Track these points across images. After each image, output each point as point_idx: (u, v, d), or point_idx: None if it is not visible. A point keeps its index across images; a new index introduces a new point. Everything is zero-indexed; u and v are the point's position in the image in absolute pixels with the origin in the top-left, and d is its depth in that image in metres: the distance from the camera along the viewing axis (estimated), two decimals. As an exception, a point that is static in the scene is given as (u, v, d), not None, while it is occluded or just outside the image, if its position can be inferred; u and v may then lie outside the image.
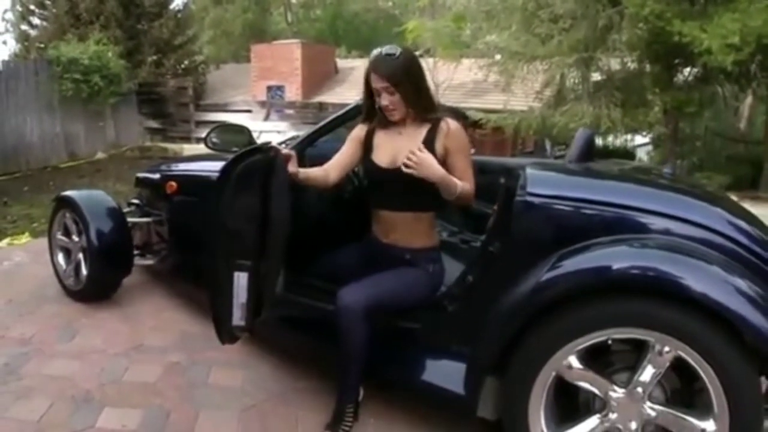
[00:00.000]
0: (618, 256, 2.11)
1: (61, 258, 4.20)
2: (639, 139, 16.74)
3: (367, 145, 2.77)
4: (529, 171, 2.45)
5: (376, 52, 2.63)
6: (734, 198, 8.81)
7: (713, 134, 16.04)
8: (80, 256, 3.97)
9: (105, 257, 3.83)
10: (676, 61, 10.73)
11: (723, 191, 3.06)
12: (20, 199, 8.33)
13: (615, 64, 11.93)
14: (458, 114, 4.34)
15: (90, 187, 9.09)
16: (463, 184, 2.50)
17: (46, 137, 11.86)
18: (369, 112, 2.76)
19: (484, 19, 12.79)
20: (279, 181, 2.51)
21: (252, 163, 2.53)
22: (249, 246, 2.53)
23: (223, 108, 16.50)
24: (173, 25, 17.52)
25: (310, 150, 3.23)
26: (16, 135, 11.17)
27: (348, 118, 3.12)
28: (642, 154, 17.03)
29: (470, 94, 15.30)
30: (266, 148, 2.57)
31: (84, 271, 3.92)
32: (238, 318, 2.55)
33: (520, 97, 13.34)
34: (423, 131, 2.66)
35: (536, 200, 2.30)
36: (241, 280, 2.54)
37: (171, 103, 16.25)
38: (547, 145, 14.59)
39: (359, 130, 2.82)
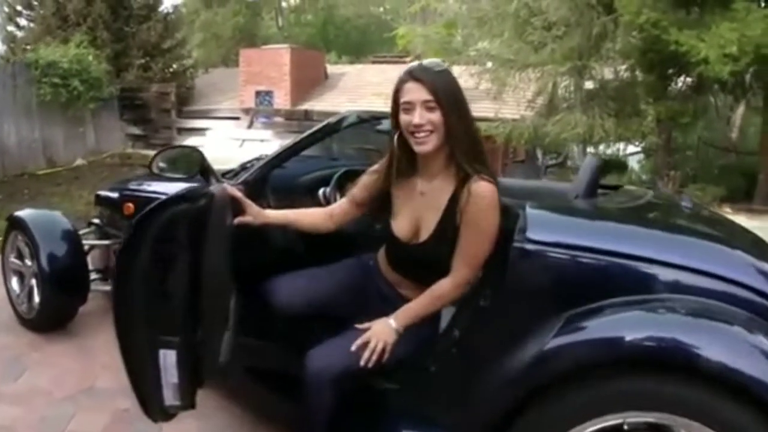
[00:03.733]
0: (633, 324, 1.79)
1: (14, 282, 3.91)
2: (630, 148, 16.57)
3: (385, 199, 2.33)
4: (529, 212, 2.06)
5: (413, 64, 2.16)
6: (728, 210, 8.48)
7: (706, 144, 15.84)
8: (33, 281, 3.66)
9: (57, 284, 3.53)
10: (671, 70, 10.48)
11: (743, 228, 2.69)
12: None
13: (608, 73, 11.72)
14: None
15: (66, 196, 8.81)
16: (439, 294, 2.15)
17: (23, 143, 11.56)
18: (391, 154, 2.25)
19: (475, 26, 12.54)
20: (215, 233, 2.12)
21: (176, 214, 2.04)
22: (176, 318, 2.06)
23: (206, 114, 16.23)
24: (162, 28, 17.07)
25: (280, 172, 2.89)
26: (-7, 140, 10.86)
27: (326, 132, 2.76)
28: (633, 164, 16.84)
29: (461, 102, 15.00)
30: (198, 194, 2.12)
31: (36, 298, 3.62)
32: (170, 398, 2.10)
33: (512, 105, 13.11)
34: (447, 194, 2.15)
35: (537, 248, 1.94)
36: (167, 358, 2.05)
37: (153, 109, 15.90)
38: (539, 154, 14.38)
39: (378, 173, 2.34)
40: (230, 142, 14.27)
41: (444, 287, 2.15)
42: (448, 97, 2.06)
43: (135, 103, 15.72)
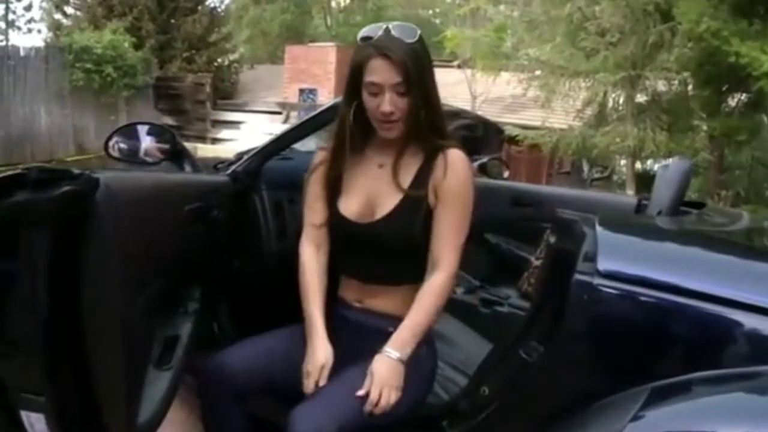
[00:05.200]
0: (728, 414, 1.32)
1: None
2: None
3: (332, 182, 1.92)
4: (601, 232, 1.56)
5: (377, 28, 1.78)
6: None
7: (759, 164, 15.27)
8: None
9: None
10: (726, 86, 10.08)
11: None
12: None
13: (660, 86, 11.31)
14: (494, 128, 3.64)
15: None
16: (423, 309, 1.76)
17: (54, 128, 11.59)
18: (344, 119, 1.86)
19: (525, 30, 12.23)
20: (102, 245, 1.46)
21: (9, 211, 1.32)
22: (38, 367, 1.45)
23: (241, 108, 16.13)
24: (207, 22, 17.10)
25: (278, 164, 2.53)
26: (23, 124, 10.92)
27: (326, 120, 2.27)
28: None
29: (508, 109, 14.71)
30: (58, 175, 1.39)
31: None
32: None
33: (560, 114, 12.76)
34: (414, 165, 1.85)
35: (612, 285, 1.43)
36: (35, 424, 1.48)
37: (188, 99, 15.86)
38: (585, 166, 14.00)
39: (321, 158, 1.96)
40: (264, 137, 14.14)
41: (439, 281, 1.79)
42: (419, 78, 1.75)
43: (170, 92, 15.69)
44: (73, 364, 1.52)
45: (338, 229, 1.94)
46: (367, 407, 1.67)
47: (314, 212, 1.97)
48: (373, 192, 1.88)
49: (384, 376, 1.69)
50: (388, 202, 1.84)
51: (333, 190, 1.92)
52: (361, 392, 1.68)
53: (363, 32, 1.80)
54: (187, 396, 2.12)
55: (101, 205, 1.44)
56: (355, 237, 1.89)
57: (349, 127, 1.85)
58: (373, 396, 1.67)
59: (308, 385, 1.76)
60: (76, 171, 1.42)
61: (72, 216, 1.42)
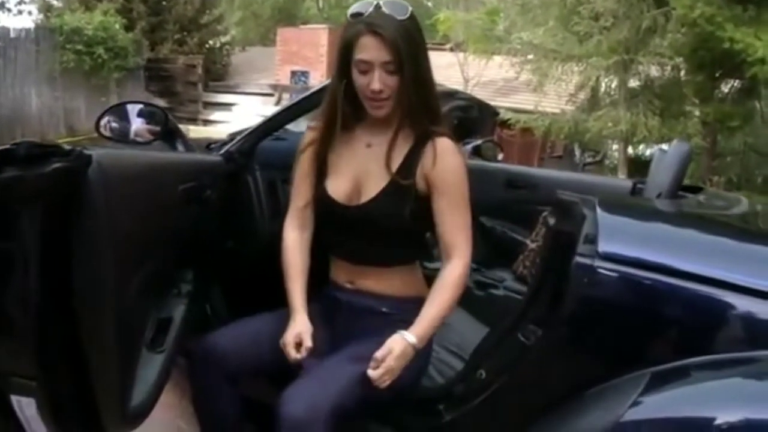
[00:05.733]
0: (728, 399, 1.31)
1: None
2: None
3: (320, 162, 1.90)
4: (602, 214, 1.52)
5: (368, 4, 1.72)
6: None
7: (751, 150, 15.29)
8: None
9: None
10: (720, 71, 10.12)
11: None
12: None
13: (653, 71, 11.29)
14: (489, 110, 3.60)
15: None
16: (440, 302, 1.74)
17: (44, 110, 11.55)
18: (334, 97, 1.83)
19: (518, 14, 12.15)
20: (94, 223, 1.41)
21: (10, 182, 1.26)
22: (29, 350, 1.41)
23: (233, 89, 16.07)
24: (199, 3, 16.92)
25: (272, 144, 2.47)
26: (14, 106, 10.89)
27: (319, 101, 2.07)
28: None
29: (500, 93, 14.65)
30: (49, 152, 1.33)
31: None
32: None
33: (553, 98, 12.70)
34: (404, 148, 1.82)
35: (612, 267, 1.41)
36: (25, 408, 1.47)
37: (180, 81, 15.79)
38: (577, 151, 13.99)
39: (311, 138, 1.92)
40: (257, 119, 14.05)
41: (456, 271, 1.78)
42: (410, 57, 1.71)
43: (161, 74, 15.60)
44: (65, 347, 1.47)
45: (326, 210, 1.91)
46: (370, 370, 1.64)
47: (300, 193, 1.95)
48: (361, 173, 1.85)
49: (398, 353, 1.67)
50: (376, 184, 1.82)
51: (320, 170, 1.90)
52: (374, 360, 1.65)
53: (353, 8, 1.76)
54: (179, 379, 2.10)
55: (93, 182, 1.39)
56: (343, 219, 1.86)
57: (340, 106, 1.81)
58: (379, 372, 1.65)
59: (289, 355, 1.75)
60: (67, 147, 1.37)
61: (63, 193, 1.37)
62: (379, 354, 1.66)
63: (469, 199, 1.80)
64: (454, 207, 1.79)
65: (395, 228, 1.81)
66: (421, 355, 1.82)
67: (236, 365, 1.85)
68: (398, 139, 1.83)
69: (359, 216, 1.82)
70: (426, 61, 1.80)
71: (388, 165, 1.80)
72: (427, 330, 1.74)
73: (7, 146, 1.28)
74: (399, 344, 1.68)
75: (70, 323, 1.45)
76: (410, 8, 1.74)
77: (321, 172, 1.90)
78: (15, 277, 1.39)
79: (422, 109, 1.78)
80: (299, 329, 1.78)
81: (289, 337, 1.77)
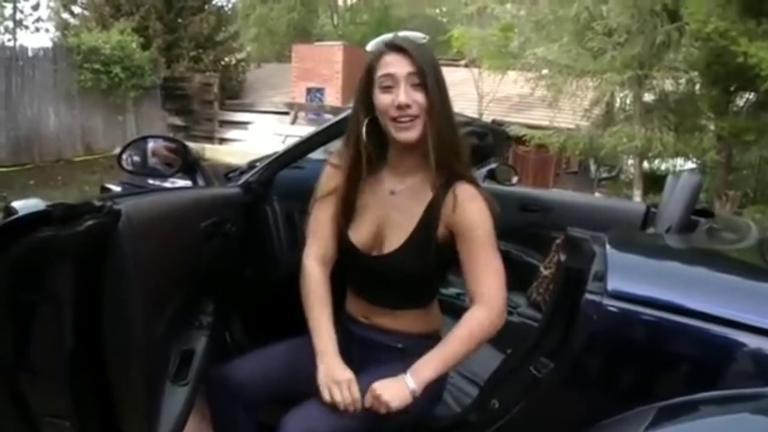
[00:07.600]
0: None
1: None
2: (683, 164, 15.99)
3: (346, 207, 1.84)
4: (611, 252, 1.54)
5: (386, 36, 1.74)
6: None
7: (766, 164, 15.19)
8: None
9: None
10: (734, 86, 10.04)
11: None
12: (23, 194, 7.86)
13: (668, 85, 11.28)
14: (501, 134, 3.59)
15: (98, 185, 8.79)
16: (467, 334, 1.67)
17: (62, 129, 11.70)
18: (357, 138, 1.77)
19: (533, 30, 12.20)
20: (121, 275, 1.46)
21: (32, 247, 1.35)
22: (62, 392, 1.48)
23: (249, 108, 16.12)
24: (214, 21, 17.05)
25: (289, 173, 2.47)
26: (31, 125, 11.01)
27: (339, 131, 2.10)
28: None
29: (514, 108, 14.67)
30: (80, 210, 1.40)
31: None
32: None
33: (567, 114, 12.73)
34: (427, 196, 1.76)
35: (621, 306, 1.43)
36: None
37: (196, 99, 15.85)
38: (592, 166, 13.95)
39: (335, 180, 1.86)
40: (273, 138, 14.08)
41: (477, 314, 1.70)
42: (432, 77, 1.67)
43: (177, 93, 15.67)
44: (95, 387, 1.53)
45: (347, 255, 1.88)
46: (367, 402, 1.64)
47: (323, 235, 1.89)
48: (383, 222, 1.82)
49: (391, 394, 1.63)
50: (398, 236, 1.78)
51: (346, 215, 1.86)
52: (369, 396, 1.65)
53: (371, 45, 1.77)
54: (199, 403, 2.14)
55: (123, 235, 1.44)
56: (364, 267, 1.85)
57: (364, 149, 1.77)
58: (374, 395, 1.64)
59: (333, 396, 1.67)
60: (97, 203, 1.43)
61: (95, 247, 1.43)
62: (376, 386, 1.65)
63: (494, 243, 1.73)
64: (478, 253, 1.72)
65: (417, 278, 1.80)
66: (435, 384, 1.78)
67: (252, 395, 1.84)
68: (421, 185, 1.79)
69: (380, 266, 1.80)
70: (447, 92, 1.74)
71: (410, 216, 1.77)
72: (427, 374, 1.67)
73: (44, 209, 1.38)
74: (392, 383, 1.66)
75: (99, 365, 1.50)
76: (427, 37, 1.77)
77: (346, 217, 1.85)
78: (50, 325, 1.45)
79: (447, 145, 1.71)
80: (349, 376, 1.70)
81: (338, 378, 1.69)
